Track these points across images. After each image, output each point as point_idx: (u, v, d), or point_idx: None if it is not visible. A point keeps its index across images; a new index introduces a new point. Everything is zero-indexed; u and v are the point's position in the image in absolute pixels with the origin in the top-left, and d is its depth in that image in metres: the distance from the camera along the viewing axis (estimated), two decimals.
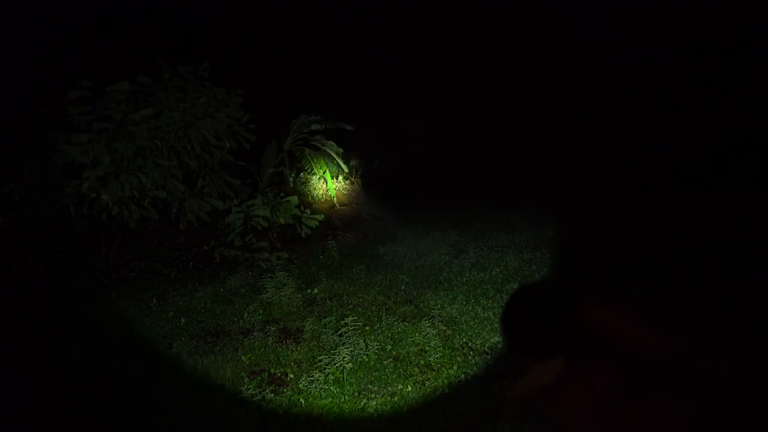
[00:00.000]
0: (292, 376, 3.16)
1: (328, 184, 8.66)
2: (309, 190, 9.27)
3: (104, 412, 2.76)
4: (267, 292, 4.75)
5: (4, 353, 3.50)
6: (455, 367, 3.18)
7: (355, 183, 10.30)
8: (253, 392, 2.92)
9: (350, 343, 3.50)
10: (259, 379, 3.12)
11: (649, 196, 9.52)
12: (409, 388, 2.95)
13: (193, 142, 5.73)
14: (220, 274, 5.60)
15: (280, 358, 3.40)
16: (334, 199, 8.84)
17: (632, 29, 10.47)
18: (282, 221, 6.39)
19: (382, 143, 11.43)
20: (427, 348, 3.46)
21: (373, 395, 2.89)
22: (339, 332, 3.74)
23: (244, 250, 6.05)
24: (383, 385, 3.00)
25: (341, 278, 5.25)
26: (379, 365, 3.24)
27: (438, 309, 4.20)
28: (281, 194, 6.75)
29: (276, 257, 5.99)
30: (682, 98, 10.48)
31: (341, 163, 8.52)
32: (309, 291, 4.87)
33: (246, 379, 3.11)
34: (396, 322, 3.94)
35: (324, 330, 3.83)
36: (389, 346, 3.52)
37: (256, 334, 3.84)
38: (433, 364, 3.24)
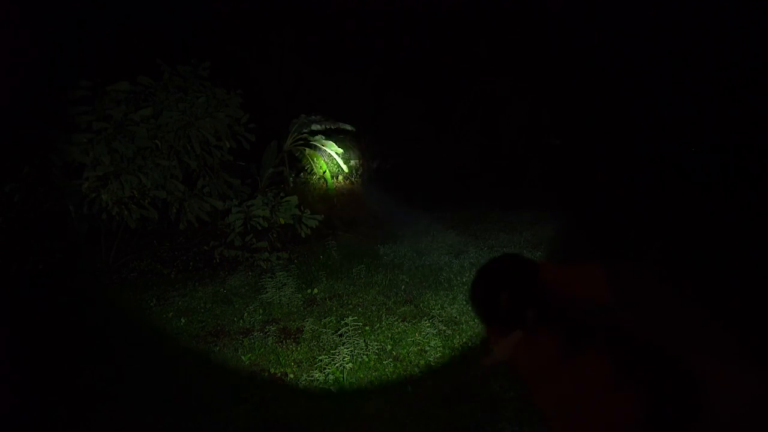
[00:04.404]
0: (292, 376, 3.16)
1: (329, 184, 8.66)
2: (309, 190, 9.28)
3: (104, 412, 2.76)
4: (267, 292, 4.75)
5: (5, 353, 3.50)
6: (455, 367, 3.18)
7: (355, 183, 10.30)
8: (253, 392, 2.92)
9: (350, 343, 3.50)
10: (259, 379, 3.12)
11: (649, 195, 9.52)
12: (409, 388, 2.95)
13: (193, 142, 5.73)
14: (220, 274, 5.60)
15: (280, 358, 3.40)
16: (334, 199, 8.84)
17: (632, 29, 10.46)
18: (282, 221, 6.39)
19: (382, 143, 11.43)
20: (427, 348, 3.46)
21: (373, 395, 2.89)
22: (339, 332, 3.74)
23: (244, 250, 6.05)
24: (383, 385, 3.00)
25: (341, 278, 5.25)
26: (379, 365, 3.24)
27: (438, 309, 4.20)
28: (281, 194, 6.75)
29: (276, 257, 5.99)
30: (682, 98, 10.48)
31: (341, 163, 8.53)
32: (309, 291, 4.87)
33: (246, 379, 3.12)
34: (396, 322, 3.94)
35: (324, 330, 3.83)
36: (389, 346, 3.52)
37: (256, 334, 3.84)
38: (433, 364, 3.24)
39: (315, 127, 8.23)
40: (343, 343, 3.50)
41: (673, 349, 0.25)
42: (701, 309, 0.24)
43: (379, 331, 3.80)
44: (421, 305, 4.32)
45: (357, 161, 10.61)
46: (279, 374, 3.18)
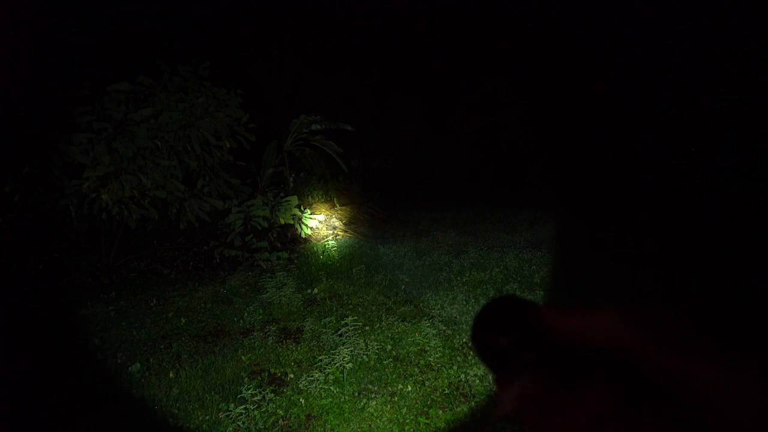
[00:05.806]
0: (292, 376, 3.16)
1: (328, 185, 8.66)
2: (309, 190, 9.27)
3: (104, 412, 2.76)
4: (267, 292, 4.75)
5: (4, 353, 3.50)
6: (455, 367, 3.18)
7: (355, 183, 10.30)
8: (253, 392, 2.92)
9: (350, 343, 3.50)
10: (259, 379, 3.12)
11: (648, 195, 9.52)
12: (409, 388, 2.95)
13: (193, 142, 5.74)
14: (220, 274, 5.60)
15: (280, 358, 3.40)
16: (334, 199, 8.84)
17: (633, 30, 10.46)
18: (282, 221, 6.39)
19: (382, 143, 11.43)
20: (427, 348, 3.46)
21: (373, 395, 2.89)
22: (339, 332, 3.74)
23: (244, 250, 6.05)
24: (383, 385, 3.00)
25: (341, 278, 5.25)
26: (379, 365, 3.24)
27: (438, 309, 4.20)
28: (281, 194, 6.75)
29: (276, 257, 5.99)
30: (681, 98, 10.48)
31: (341, 163, 8.52)
32: (309, 291, 4.87)
33: (246, 379, 3.11)
34: (396, 322, 3.94)
35: (324, 330, 3.83)
36: (389, 346, 3.52)
37: (256, 334, 3.84)
38: (433, 364, 3.24)
39: (315, 127, 8.23)
40: (343, 343, 3.50)
41: (690, 393, 0.23)
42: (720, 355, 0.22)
43: (379, 331, 3.80)
44: (421, 305, 4.32)
45: (357, 161, 10.61)
46: (279, 374, 3.18)
